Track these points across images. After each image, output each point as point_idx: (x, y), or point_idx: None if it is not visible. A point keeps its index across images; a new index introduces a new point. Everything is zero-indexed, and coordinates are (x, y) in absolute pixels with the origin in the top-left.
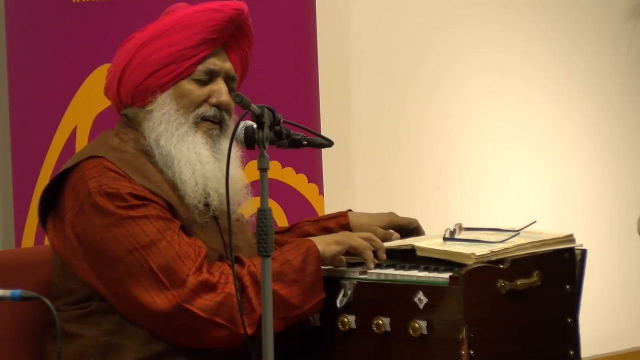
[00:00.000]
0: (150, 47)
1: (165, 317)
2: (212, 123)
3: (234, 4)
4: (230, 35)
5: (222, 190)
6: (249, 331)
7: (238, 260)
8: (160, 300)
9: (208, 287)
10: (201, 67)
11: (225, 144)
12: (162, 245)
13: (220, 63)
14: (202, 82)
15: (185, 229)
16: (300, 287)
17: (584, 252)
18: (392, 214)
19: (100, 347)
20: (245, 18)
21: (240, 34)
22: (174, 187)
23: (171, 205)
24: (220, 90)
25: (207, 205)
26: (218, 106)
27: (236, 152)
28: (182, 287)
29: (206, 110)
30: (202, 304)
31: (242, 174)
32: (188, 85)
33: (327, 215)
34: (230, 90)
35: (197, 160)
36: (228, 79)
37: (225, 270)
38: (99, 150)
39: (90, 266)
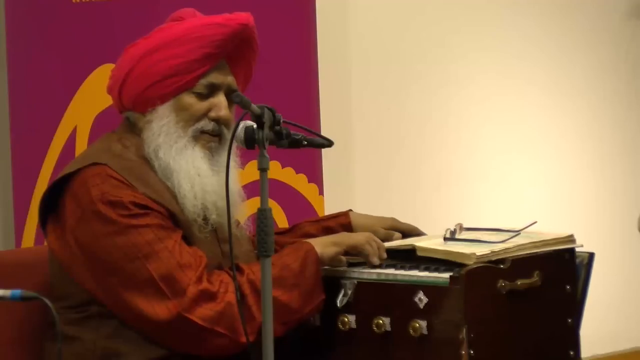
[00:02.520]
0: (154, 57)
1: (166, 326)
2: (211, 136)
3: (240, 18)
4: (234, 48)
5: (220, 204)
6: (251, 339)
7: (237, 268)
8: (160, 309)
9: (208, 296)
10: (203, 81)
11: (224, 156)
12: (164, 254)
13: (222, 77)
14: (203, 96)
15: (186, 238)
16: (300, 291)
17: (591, 255)
18: (394, 219)
19: (98, 350)
20: (251, 31)
21: (245, 46)
22: (175, 196)
23: (173, 214)
24: (220, 104)
25: (205, 219)
26: (217, 120)
27: (233, 163)
28: (182, 296)
29: (205, 124)
30: (203, 313)
31: (238, 186)
32: (188, 99)
33: (328, 215)
34: (230, 104)
35: (196, 173)
36: (229, 92)
37: (224, 279)
38: (101, 157)
39: (90, 273)
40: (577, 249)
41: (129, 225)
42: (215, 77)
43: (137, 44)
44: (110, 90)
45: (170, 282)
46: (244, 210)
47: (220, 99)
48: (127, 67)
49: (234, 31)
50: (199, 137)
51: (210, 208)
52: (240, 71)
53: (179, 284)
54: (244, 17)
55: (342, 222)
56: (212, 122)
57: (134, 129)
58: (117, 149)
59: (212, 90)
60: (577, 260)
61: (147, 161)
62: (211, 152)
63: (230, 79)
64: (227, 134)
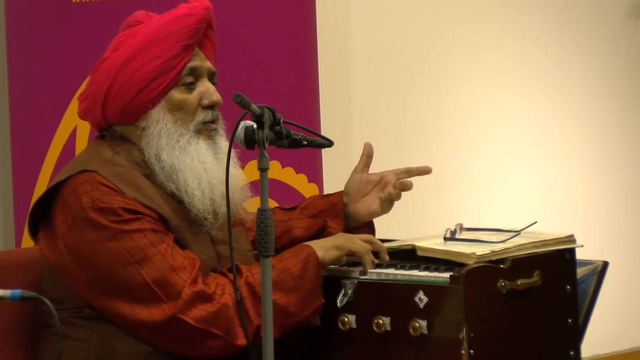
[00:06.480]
0: (132, 65)
1: (161, 328)
2: (210, 124)
3: (201, 3)
4: (203, 33)
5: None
6: (246, 342)
7: (236, 270)
8: (155, 311)
9: (203, 297)
10: (185, 72)
11: (222, 141)
12: (157, 258)
13: (201, 62)
14: (190, 85)
15: (178, 241)
16: (299, 295)
17: (605, 264)
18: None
19: (93, 350)
20: (211, 12)
21: (209, 29)
22: (167, 199)
23: (164, 218)
24: (208, 90)
25: (214, 214)
26: (211, 106)
27: (234, 153)
28: (177, 298)
29: (205, 116)
30: (197, 314)
31: (241, 173)
32: (178, 95)
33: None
34: (213, 84)
35: (202, 169)
36: (210, 76)
37: (220, 281)
38: (91, 164)
39: (83, 279)
40: (591, 257)
41: (121, 230)
42: (194, 62)
43: (107, 58)
44: (85, 114)
45: (164, 285)
46: (249, 197)
47: (207, 84)
48: (106, 83)
49: (201, 17)
50: (201, 129)
51: (219, 201)
52: (210, 54)
53: (173, 287)
54: (204, 0)
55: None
56: (209, 111)
57: (122, 137)
58: (108, 155)
59: (196, 75)
60: (591, 268)
61: (138, 166)
62: (213, 141)
63: (208, 64)
64: (220, 117)
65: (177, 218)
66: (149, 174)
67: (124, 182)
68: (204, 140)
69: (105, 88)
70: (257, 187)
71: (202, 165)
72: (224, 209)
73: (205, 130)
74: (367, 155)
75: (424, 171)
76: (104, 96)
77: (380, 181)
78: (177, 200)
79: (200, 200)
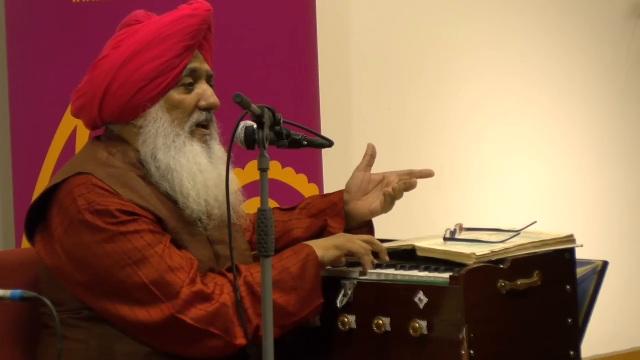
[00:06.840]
0: (133, 63)
1: (160, 328)
2: (203, 128)
3: (202, 5)
4: (203, 35)
5: (221, 198)
6: (245, 341)
7: (235, 269)
8: (154, 312)
9: (202, 297)
10: (184, 72)
11: (215, 145)
12: (154, 259)
13: (200, 64)
14: (188, 86)
15: (175, 242)
16: (299, 295)
17: (605, 264)
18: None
19: (92, 351)
20: (212, 15)
21: (207, 31)
22: (163, 200)
23: (160, 219)
24: (206, 92)
25: (207, 215)
26: (207, 109)
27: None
28: (175, 298)
29: (199, 116)
30: (196, 313)
31: (235, 178)
32: (177, 95)
33: (328, 193)
34: (210, 86)
35: (198, 170)
36: (208, 78)
37: (219, 281)
38: (87, 166)
39: (81, 282)
40: (591, 257)
41: (118, 232)
42: (194, 64)
43: (106, 56)
44: (80, 111)
45: (162, 285)
46: (243, 201)
47: (204, 87)
48: (104, 81)
49: (203, 18)
50: (195, 131)
51: (212, 203)
52: (208, 56)
53: (172, 287)
54: (205, 2)
55: (340, 196)
56: (204, 112)
57: (118, 137)
58: (103, 156)
59: (195, 77)
60: (590, 268)
61: (133, 167)
62: (207, 144)
63: (206, 66)
64: (214, 121)
65: (174, 219)
66: (145, 175)
67: (119, 184)
68: (197, 143)
69: (104, 86)
70: (257, 187)
71: (197, 166)
72: (216, 211)
73: (198, 134)
74: (371, 155)
75: (427, 174)
76: (102, 94)
77: (382, 181)
78: (172, 201)
79: (194, 201)
